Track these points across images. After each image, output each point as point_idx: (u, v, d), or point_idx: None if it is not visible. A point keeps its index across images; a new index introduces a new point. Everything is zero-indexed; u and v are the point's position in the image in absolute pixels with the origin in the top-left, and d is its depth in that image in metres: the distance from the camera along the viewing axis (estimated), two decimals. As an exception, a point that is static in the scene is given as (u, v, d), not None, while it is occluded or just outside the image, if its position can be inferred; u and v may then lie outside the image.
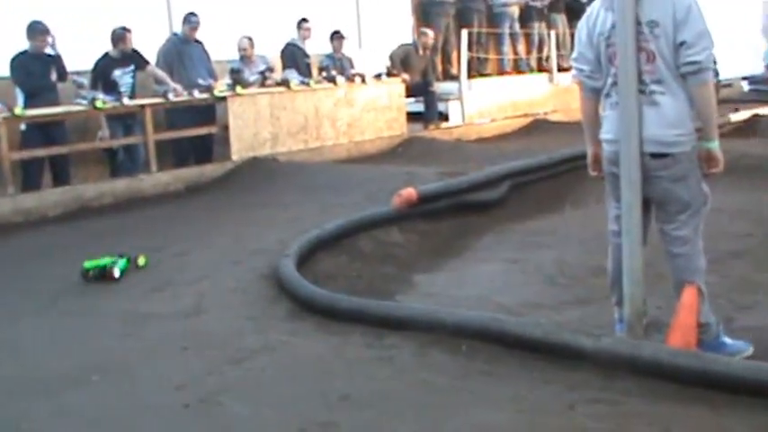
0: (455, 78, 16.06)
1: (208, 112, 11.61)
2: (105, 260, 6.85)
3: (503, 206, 9.11)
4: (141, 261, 7.10)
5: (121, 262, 6.90)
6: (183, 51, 11.80)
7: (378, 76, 13.78)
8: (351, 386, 4.52)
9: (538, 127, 16.15)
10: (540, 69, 18.52)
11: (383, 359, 4.90)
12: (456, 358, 4.82)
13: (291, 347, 5.19)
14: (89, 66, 10.78)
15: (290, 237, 7.38)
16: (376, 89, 13.61)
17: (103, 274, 6.74)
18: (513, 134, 15.86)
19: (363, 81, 13.38)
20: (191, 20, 11.74)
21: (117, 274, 6.75)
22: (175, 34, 12.11)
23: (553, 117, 16.98)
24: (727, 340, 4.89)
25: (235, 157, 11.38)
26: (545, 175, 10.16)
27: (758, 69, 28.20)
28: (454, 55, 16.63)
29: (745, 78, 26.53)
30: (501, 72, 17.73)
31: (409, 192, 8.25)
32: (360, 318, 5.47)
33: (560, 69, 17.87)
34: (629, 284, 4.69)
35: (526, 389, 4.36)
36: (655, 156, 4.61)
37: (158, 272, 6.98)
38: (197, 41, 11.94)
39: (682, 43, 4.48)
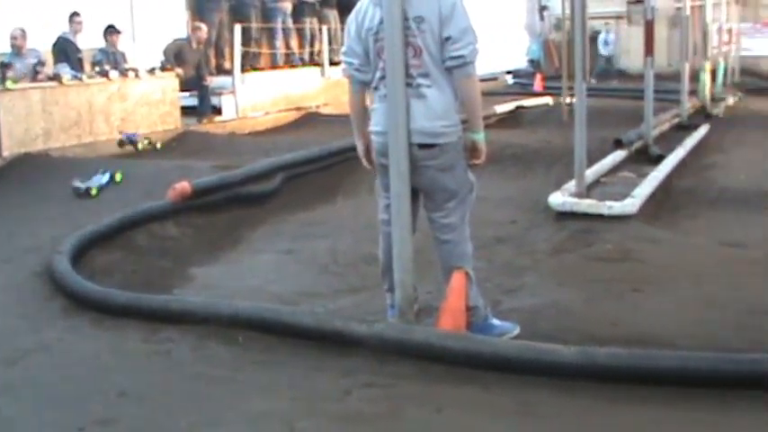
0: (228, 72, 15.88)
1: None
2: None
3: (277, 198, 9.09)
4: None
5: None
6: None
7: (151, 71, 13.45)
8: (128, 382, 4.38)
9: (310, 120, 16.21)
10: (313, 63, 18.58)
11: (160, 353, 4.79)
12: (233, 349, 4.76)
13: (67, 345, 4.99)
14: None
15: (64, 233, 7.10)
16: (149, 84, 13.27)
17: None
18: (286, 127, 15.83)
19: (137, 76, 13.00)
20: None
21: None
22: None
23: (325, 110, 17.06)
24: (495, 322, 5.04)
25: (6, 153, 10.82)
26: (318, 167, 10.22)
27: (522, 64, 29.38)
28: (228, 49, 16.45)
29: (509, 72, 27.54)
30: (274, 66, 17.67)
31: (183, 185, 8.10)
32: (135, 312, 5.33)
33: (332, 63, 17.97)
34: (400, 271, 4.74)
35: (302, 376, 4.36)
36: (422, 146, 4.68)
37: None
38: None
39: (447, 38, 4.57)
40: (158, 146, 12.33)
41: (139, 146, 12.13)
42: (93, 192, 8.91)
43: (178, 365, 4.61)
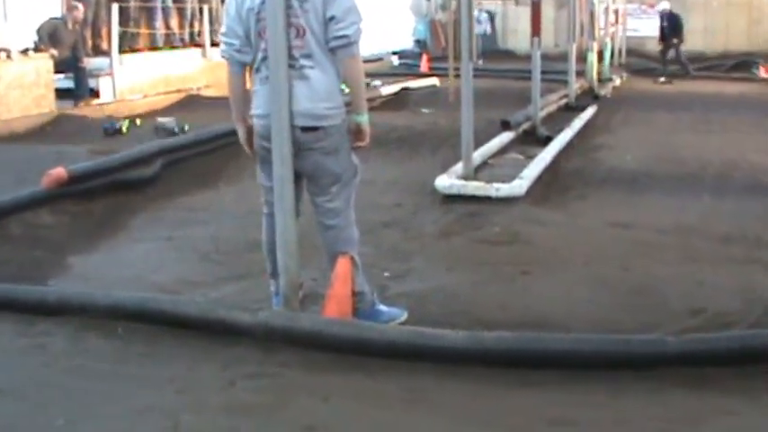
0: (106, 54, 15.59)
1: None
2: None
3: (156, 184, 8.96)
4: None
5: None
6: None
7: (24, 52, 13.11)
8: (2, 378, 4.26)
9: (191, 103, 16.01)
10: (194, 44, 18.37)
11: (36, 347, 4.66)
12: (113, 342, 4.68)
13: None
14: None
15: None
16: (22, 65, 12.92)
17: None
18: (165, 110, 15.61)
19: (9, 57, 12.66)
20: None
21: None
22: None
23: (206, 92, 16.90)
24: (383, 308, 5.09)
25: None
26: (198, 152, 10.13)
27: (407, 45, 29.55)
28: (105, 29, 16.13)
29: (395, 53, 27.68)
30: (153, 47, 17.42)
31: (59, 171, 7.92)
32: (8, 305, 5.17)
33: (213, 44, 17.79)
34: (284, 257, 4.73)
35: (186, 368, 4.32)
36: (306, 129, 4.67)
37: None
38: None
39: (331, 18, 4.58)
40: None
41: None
42: None
43: (55, 359, 4.50)
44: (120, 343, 4.67)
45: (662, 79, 22.46)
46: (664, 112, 15.66)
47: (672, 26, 23.28)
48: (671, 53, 23.53)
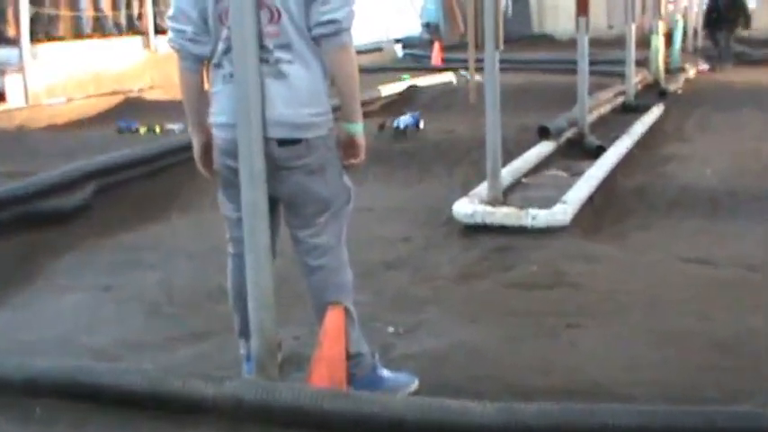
0: (13, 43, 15.64)
1: None
2: None
3: (87, 215, 9.00)
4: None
5: None
6: None
7: None
8: None
9: (131, 108, 16.08)
10: (132, 31, 18.44)
11: None
12: (29, 427, 4.71)
13: None
14: None
15: None
16: None
17: None
18: (97, 118, 15.70)
19: None
20: None
21: None
22: None
23: (151, 95, 16.98)
24: (386, 373, 5.12)
25: None
26: (143, 173, 10.17)
27: (414, 30, 29.57)
28: (11, 11, 16.17)
29: (398, 41, 27.79)
30: (78, 35, 17.46)
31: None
32: None
33: (158, 31, 17.89)
34: (257, 310, 4.74)
35: (129, 457, 4.36)
36: (283, 142, 4.68)
37: None
38: None
39: None
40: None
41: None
42: None
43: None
44: (39, 428, 4.69)
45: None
46: (754, 111, 15.68)
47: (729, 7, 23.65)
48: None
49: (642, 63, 18.13)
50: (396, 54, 26.57)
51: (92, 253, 8.26)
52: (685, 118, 15.27)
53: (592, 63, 12.80)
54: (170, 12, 4.91)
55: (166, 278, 7.30)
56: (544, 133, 11.49)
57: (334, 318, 4.83)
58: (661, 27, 19.59)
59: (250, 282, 4.74)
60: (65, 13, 17.31)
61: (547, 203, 8.41)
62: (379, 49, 25.70)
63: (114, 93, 16.64)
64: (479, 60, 10.53)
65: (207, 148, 4.99)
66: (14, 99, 15.14)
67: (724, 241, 8.22)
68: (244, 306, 4.86)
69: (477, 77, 14.88)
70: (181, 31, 4.81)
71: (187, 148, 5.51)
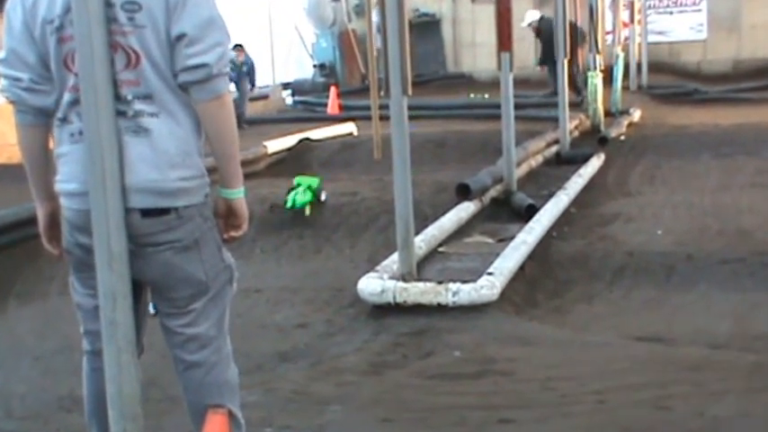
0: None
1: None
2: None
3: None
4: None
5: None
6: None
7: None
8: None
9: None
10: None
11: None
12: None
13: None
14: None
15: None
16: None
17: None
18: None
19: None
20: None
21: None
22: None
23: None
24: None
25: None
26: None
27: (306, 72, 29.66)
28: None
29: (287, 86, 27.89)
30: None
31: None
32: None
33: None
34: (119, 421, 4.65)
35: None
36: (148, 213, 4.60)
37: None
38: None
39: (180, 37, 4.48)
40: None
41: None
42: None
43: None
44: None
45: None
46: (710, 159, 15.95)
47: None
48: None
49: (578, 105, 18.32)
50: (284, 102, 26.64)
51: None
52: (630, 168, 15.46)
53: (518, 107, 12.89)
54: (1, 54, 4.76)
55: (4, 385, 7.19)
56: (464, 192, 11.53)
57: (215, 425, 4.76)
58: (599, 62, 19.75)
59: (110, 386, 4.65)
60: None
61: (470, 276, 8.44)
62: (264, 97, 25.75)
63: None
64: (384, 107, 10.57)
65: (54, 220, 4.89)
66: None
67: (681, 315, 8.31)
68: (103, 416, 4.77)
69: (382, 128, 14.94)
70: (16, 78, 4.70)
71: (27, 222, 5.44)
